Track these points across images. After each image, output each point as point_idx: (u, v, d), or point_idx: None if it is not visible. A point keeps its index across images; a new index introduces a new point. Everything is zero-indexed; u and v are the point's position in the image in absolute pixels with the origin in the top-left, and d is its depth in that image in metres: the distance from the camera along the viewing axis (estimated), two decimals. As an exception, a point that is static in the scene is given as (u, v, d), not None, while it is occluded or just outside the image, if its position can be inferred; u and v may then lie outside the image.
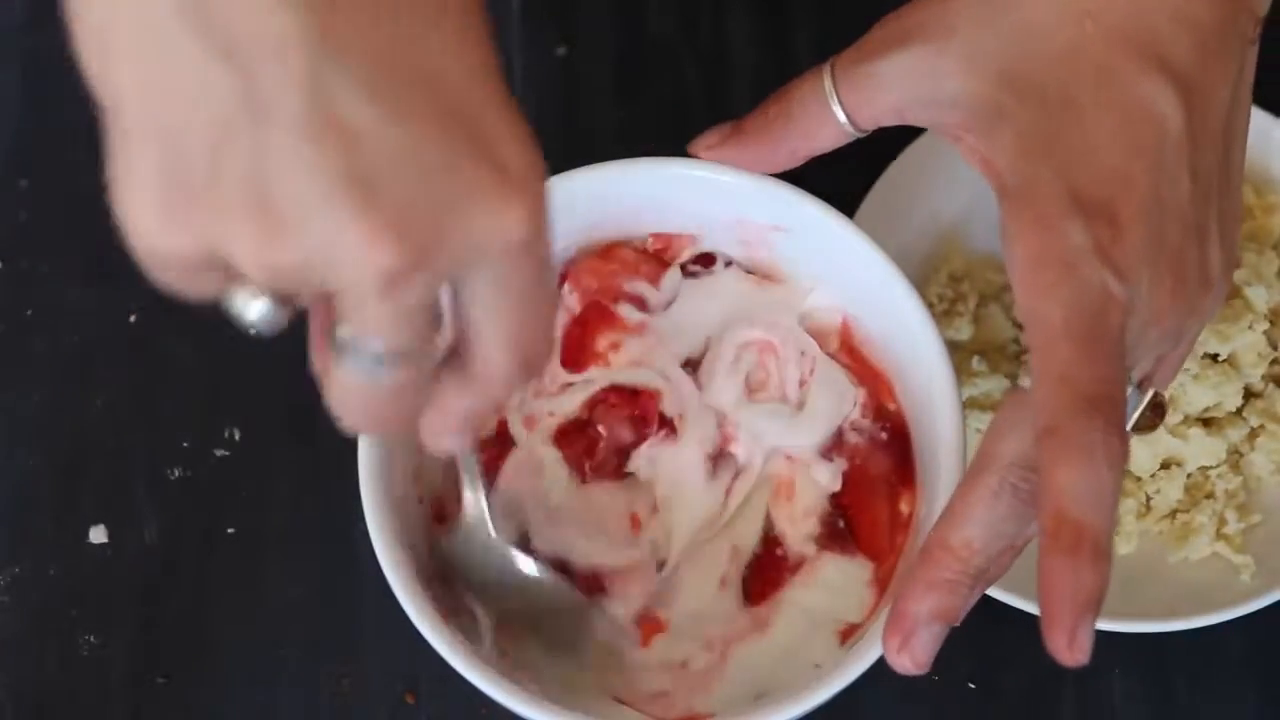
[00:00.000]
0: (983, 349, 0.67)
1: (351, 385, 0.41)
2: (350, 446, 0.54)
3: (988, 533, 0.48)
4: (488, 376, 0.42)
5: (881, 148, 0.67)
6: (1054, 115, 0.49)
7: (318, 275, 0.38)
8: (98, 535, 0.67)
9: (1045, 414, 0.46)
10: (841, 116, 0.53)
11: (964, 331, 0.67)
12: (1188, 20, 0.49)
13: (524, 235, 0.39)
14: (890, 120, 0.54)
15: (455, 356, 0.42)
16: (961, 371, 0.65)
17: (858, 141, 0.55)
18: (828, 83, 0.53)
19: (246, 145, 0.36)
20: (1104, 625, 0.62)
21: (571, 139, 0.73)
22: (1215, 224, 0.50)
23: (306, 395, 0.68)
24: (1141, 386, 0.51)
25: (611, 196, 0.57)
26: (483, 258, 0.39)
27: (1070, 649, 0.45)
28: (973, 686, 0.65)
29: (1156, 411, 0.51)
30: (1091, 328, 0.46)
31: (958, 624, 0.49)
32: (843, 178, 0.63)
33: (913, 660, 0.48)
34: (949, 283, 0.68)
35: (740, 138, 0.55)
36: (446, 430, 0.44)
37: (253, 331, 0.41)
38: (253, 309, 0.40)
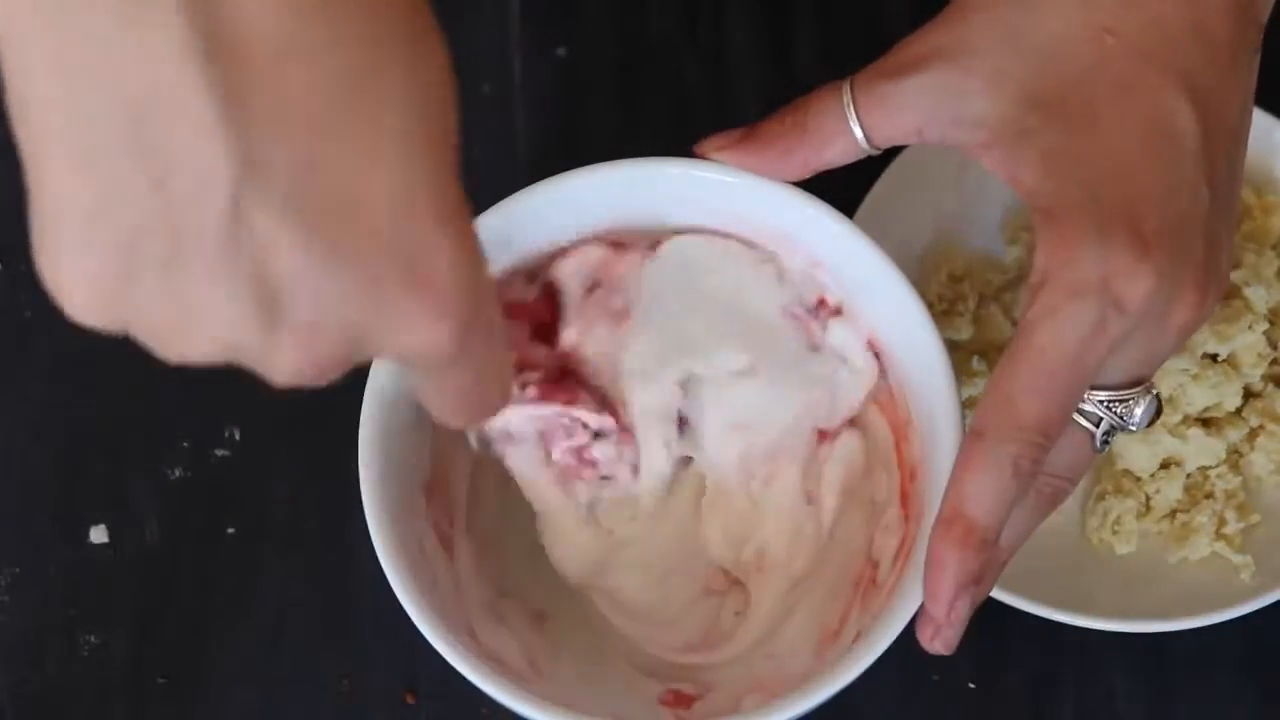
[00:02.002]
0: (983, 349, 0.67)
1: None
2: (350, 446, 0.54)
3: (1010, 528, 0.51)
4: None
5: (881, 148, 0.67)
6: (1078, 133, 0.50)
7: (235, 359, 0.40)
8: (98, 535, 0.67)
9: (981, 419, 0.49)
10: (858, 133, 0.54)
11: (964, 331, 0.67)
12: (1204, 35, 0.50)
13: (445, 351, 0.40)
14: (908, 139, 0.54)
15: None
16: (961, 371, 0.65)
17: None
18: (846, 98, 0.54)
19: (167, 256, 0.37)
20: (1104, 625, 0.62)
21: (571, 139, 0.73)
22: (1226, 232, 0.51)
23: (306, 395, 0.68)
24: (1147, 389, 0.51)
25: (611, 197, 0.57)
26: (408, 364, 0.42)
27: (940, 631, 0.50)
28: (973, 686, 0.65)
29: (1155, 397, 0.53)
30: (1064, 365, 0.49)
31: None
32: (843, 178, 0.62)
33: (945, 646, 0.51)
34: (949, 283, 0.68)
35: (752, 143, 0.56)
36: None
37: None
38: None
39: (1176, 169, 0.49)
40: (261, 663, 0.65)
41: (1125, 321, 0.48)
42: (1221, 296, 0.51)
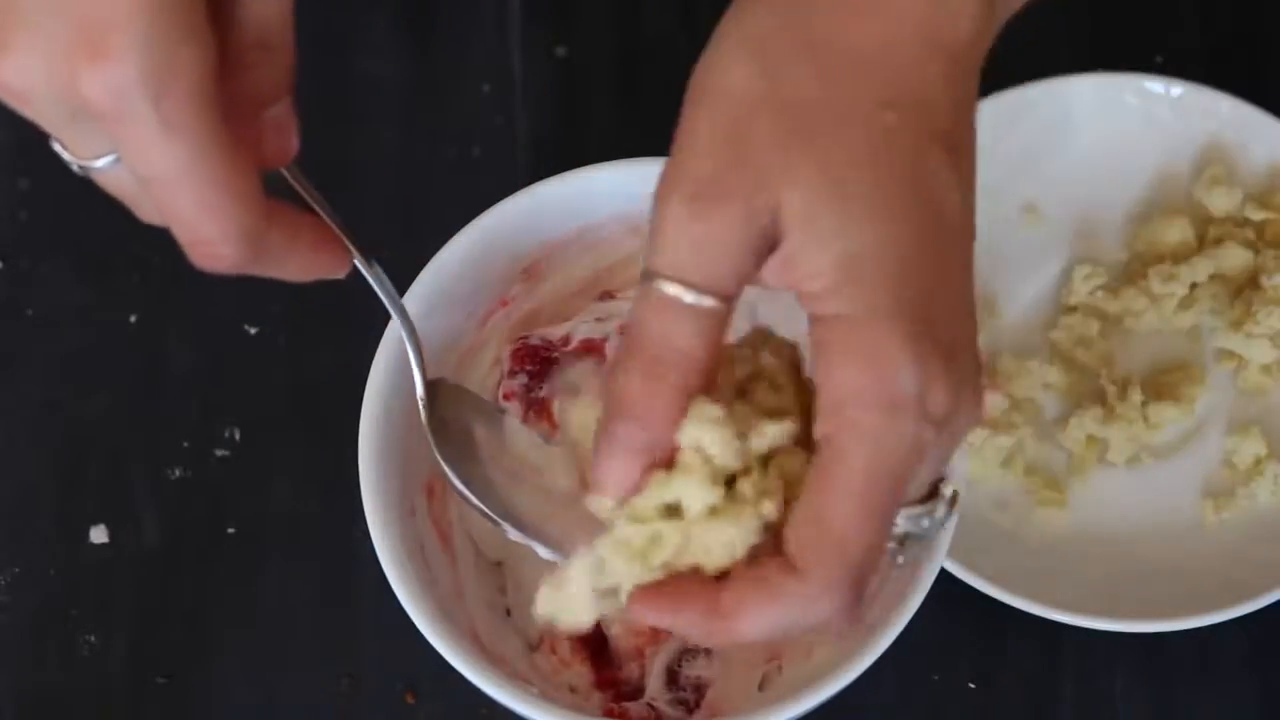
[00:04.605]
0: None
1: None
2: (351, 446, 0.54)
3: None
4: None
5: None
6: (868, 227, 0.44)
7: None
8: (98, 535, 0.67)
9: (792, 543, 0.43)
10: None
11: None
12: (956, 94, 0.46)
13: (103, 100, 0.40)
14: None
15: None
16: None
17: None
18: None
19: None
20: (1104, 625, 0.62)
21: (571, 139, 0.73)
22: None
23: (306, 396, 0.68)
24: (941, 488, 0.47)
25: (610, 196, 0.57)
26: (79, 109, 0.41)
27: None
28: (973, 686, 0.65)
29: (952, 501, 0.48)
30: (883, 487, 0.43)
31: None
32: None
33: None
34: None
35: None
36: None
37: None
38: None
39: (951, 256, 0.45)
40: (261, 663, 0.65)
41: (936, 434, 0.44)
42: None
